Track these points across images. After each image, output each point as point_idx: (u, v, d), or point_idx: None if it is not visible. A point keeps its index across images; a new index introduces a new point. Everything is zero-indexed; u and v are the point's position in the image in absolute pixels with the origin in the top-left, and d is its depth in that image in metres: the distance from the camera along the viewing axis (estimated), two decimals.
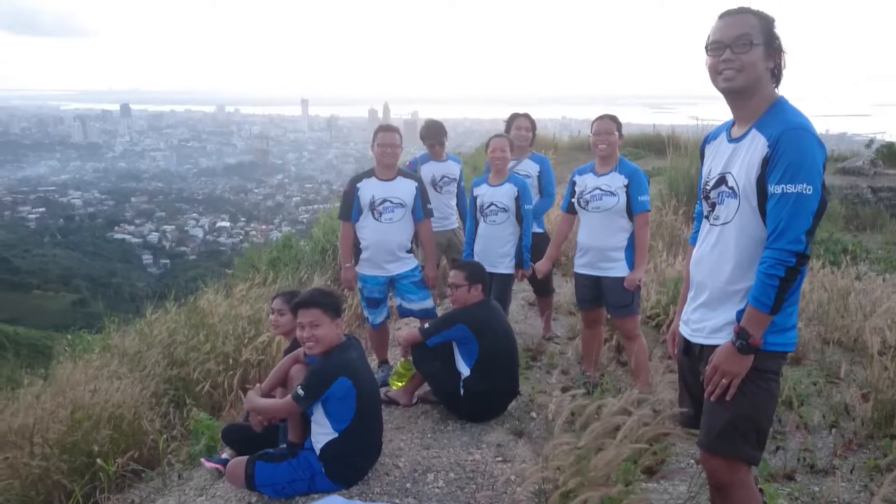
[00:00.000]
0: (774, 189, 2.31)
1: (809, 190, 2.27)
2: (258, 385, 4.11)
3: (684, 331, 2.73)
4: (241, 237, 68.57)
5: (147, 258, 66.27)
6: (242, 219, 78.08)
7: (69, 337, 8.88)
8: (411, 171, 5.82)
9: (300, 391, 3.67)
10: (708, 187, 2.60)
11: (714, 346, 2.50)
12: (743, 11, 2.43)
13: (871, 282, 6.94)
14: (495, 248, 5.43)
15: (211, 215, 79.82)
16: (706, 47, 2.48)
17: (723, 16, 2.45)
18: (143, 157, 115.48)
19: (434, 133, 6.38)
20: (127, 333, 7.47)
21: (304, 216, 65.77)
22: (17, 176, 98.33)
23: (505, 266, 5.42)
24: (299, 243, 11.77)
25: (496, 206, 5.37)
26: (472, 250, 5.58)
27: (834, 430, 4.28)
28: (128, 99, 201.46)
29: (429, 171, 6.29)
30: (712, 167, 2.60)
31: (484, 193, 5.45)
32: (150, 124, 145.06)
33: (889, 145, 15.97)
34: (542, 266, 5.22)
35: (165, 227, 75.12)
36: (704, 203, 2.63)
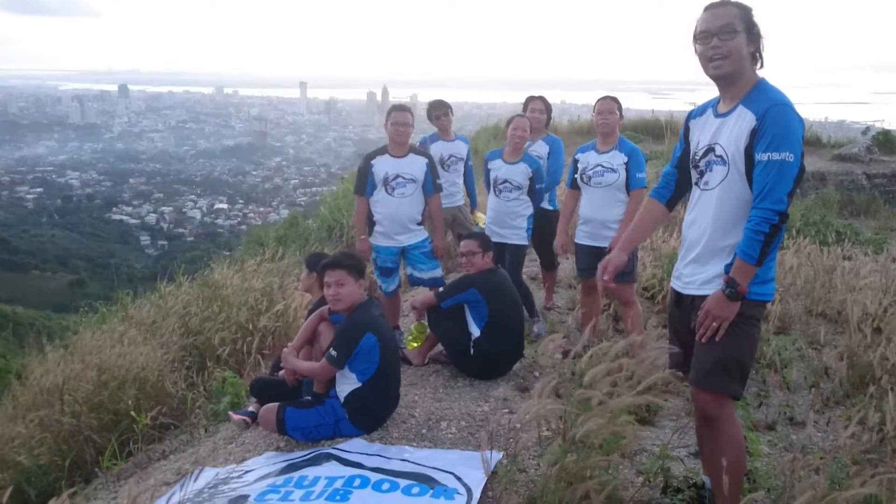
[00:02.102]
0: (761, 156, 2.65)
1: (791, 157, 2.62)
2: (291, 345, 4.45)
3: (676, 284, 3.08)
4: (238, 219, 68.68)
5: (145, 239, 66.29)
6: (240, 201, 78.12)
7: (83, 308, 9.15)
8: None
9: (333, 352, 4.01)
10: (697, 157, 2.94)
11: (704, 296, 2.84)
12: (725, 3, 2.78)
13: (856, 260, 7.28)
14: (508, 222, 5.76)
15: (209, 197, 79.82)
16: (694, 37, 2.82)
17: (707, 8, 2.80)
18: (141, 138, 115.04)
19: (439, 105, 6.72)
20: (142, 305, 7.76)
21: (302, 199, 65.82)
22: (14, 156, 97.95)
23: (518, 238, 5.76)
24: (305, 222, 12.09)
25: (510, 183, 5.70)
26: None
27: (813, 390, 4.64)
28: (126, 79, 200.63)
29: (437, 150, 6.58)
30: (700, 139, 2.95)
31: (498, 168, 5.77)
32: (148, 105, 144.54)
33: (885, 132, 16.17)
34: (557, 244, 5.56)
35: (163, 208, 75.07)
36: (693, 171, 2.98)
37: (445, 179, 6.45)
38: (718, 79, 2.82)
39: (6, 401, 6.12)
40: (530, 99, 6.56)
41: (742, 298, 2.72)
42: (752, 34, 2.75)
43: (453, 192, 6.72)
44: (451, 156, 6.70)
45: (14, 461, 5.13)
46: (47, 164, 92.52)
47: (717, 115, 2.88)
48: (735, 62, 2.74)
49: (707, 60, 2.78)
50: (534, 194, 5.75)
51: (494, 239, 5.77)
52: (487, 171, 5.92)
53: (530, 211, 5.78)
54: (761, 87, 2.77)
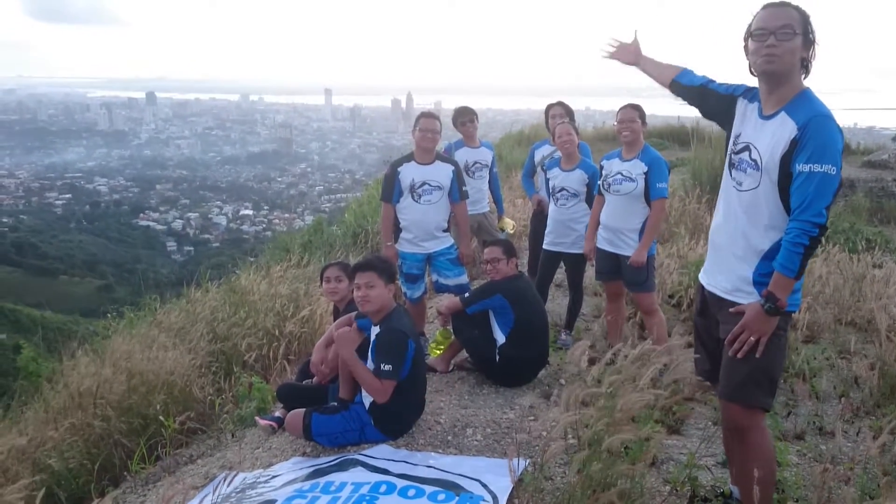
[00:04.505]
0: (802, 167, 2.63)
1: (833, 170, 2.60)
2: (320, 342, 4.50)
3: (702, 278, 3.10)
4: (263, 225, 69.21)
5: (171, 245, 67.07)
6: (265, 207, 78.74)
7: (111, 314, 9.24)
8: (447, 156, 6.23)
9: (386, 367, 3.95)
10: (735, 149, 2.93)
11: (722, 299, 2.90)
12: (785, 5, 2.75)
13: (887, 268, 7.21)
14: (567, 231, 5.75)
15: (234, 203, 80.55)
16: (750, 34, 2.79)
17: (767, 6, 2.77)
18: (167, 144, 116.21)
19: (465, 111, 6.77)
20: (171, 311, 7.85)
21: (326, 205, 66.21)
22: (44, 162, 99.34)
23: (577, 247, 5.71)
24: (330, 228, 12.18)
25: (567, 191, 5.70)
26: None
27: (843, 400, 4.60)
28: (153, 87, 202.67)
29: (462, 156, 6.62)
30: (742, 131, 2.92)
31: (556, 177, 5.78)
32: (175, 112, 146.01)
33: None
34: (586, 249, 5.53)
35: (189, 214, 75.89)
36: (727, 161, 2.98)
37: (470, 186, 6.45)
38: (767, 75, 2.79)
39: (38, 404, 6.22)
40: (550, 106, 6.61)
41: (781, 312, 2.71)
42: (808, 40, 2.73)
43: (478, 199, 6.74)
44: (475, 162, 6.73)
45: (46, 464, 5.20)
46: (76, 171, 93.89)
47: (761, 116, 2.85)
48: (787, 63, 2.72)
49: (759, 56, 2.75)
50: (592, 201, 5.64)
51: (552, 248, 5.78)
52: (547, 181, 5.93)
53: (588, 218, 5.66)
54: (805, 96, 2.75)
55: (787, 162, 2.68)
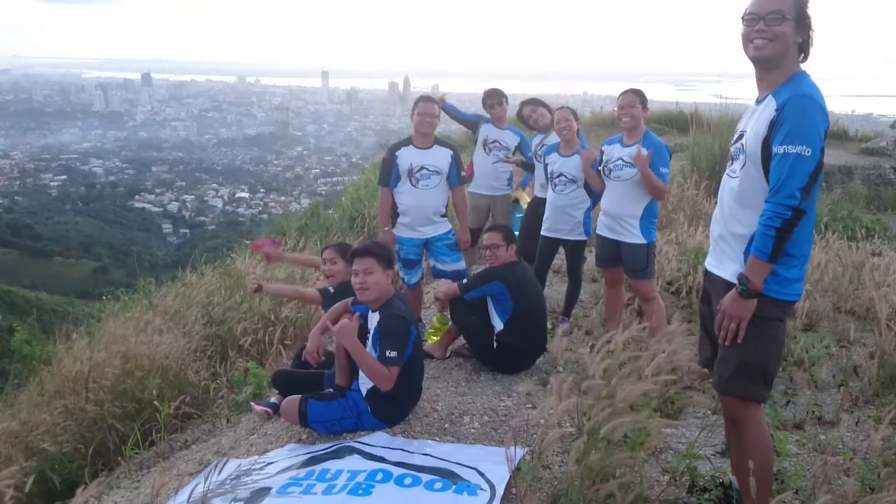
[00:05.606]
0: (777, 149, 2.59)
1: (808, 152, 2.54)
2: (316, 328, 4.44)
3: (707, 264, 3.05)
4: (259, 208, 69.12)
5: (167, 227, 66.95)
6: (262, 190, 78.60)
7: (106, 296, 9.18)
8: (473, 117, 6.59)
9: (391, 354, 3.90)
10: (732, 140, 2.93)
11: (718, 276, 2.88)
12: None
13: (886, 256, 7.19)
14: (565, 217, 5.68)
15: (230, 186, 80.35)
16: (742, 17, 2.75)
17: None
18: (163, 126, 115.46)
19: (494, 93, 6.78)
20: (166, 294, 7.80)
21: (322, 188, 66.09)
22: (39, 143, 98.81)
23: (576, 234, 5.69)
24: (327, 211, 12.13)
25: (565, 176, 5.63)
26: None
27: (842, 389, 4.58)
28: (149, 68, 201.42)
29: (486, 131, 6.71)
30: (740, 124, 2.91)
31: (554, 162, 5.71)
32: (171, 94, 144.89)
33: None
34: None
35: (185, 196, 75.70)
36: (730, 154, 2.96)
37: (484, 162, 6.67)
38: (757, 61, 2.74)
39: (32, 387, 6.18)
40: (523, 105, 6.69)
41: (755, 296, 2.67)
42: (802, 25, 2.68)
43: (495, 178, 6.80)
44: (495, 140, 6.70)
45: (39, 448, 5.17)
46: (71, 152, 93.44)
47: (755, 103, 2.83)
48: (778, 47, 2.66)
49: (748, 41, 2.71)
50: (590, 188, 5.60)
51: (550, 235, 5.74)
52: (545, 166, 5.88)
53: (587, 205, 5.64)
54: (796, 78, 2.69)
55: (769, 145, 2.65)
